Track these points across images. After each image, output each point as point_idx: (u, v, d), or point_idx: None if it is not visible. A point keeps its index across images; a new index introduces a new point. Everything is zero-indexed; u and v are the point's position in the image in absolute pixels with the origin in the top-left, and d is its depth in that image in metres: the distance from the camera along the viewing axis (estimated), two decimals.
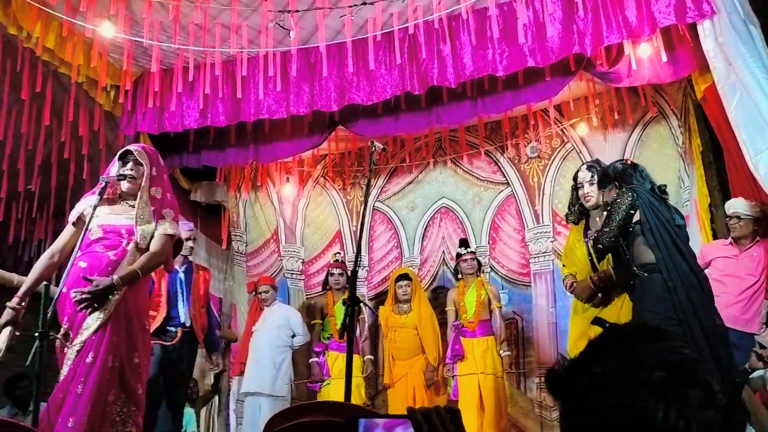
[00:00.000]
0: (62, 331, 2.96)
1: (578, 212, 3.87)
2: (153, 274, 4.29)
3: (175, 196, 3.53)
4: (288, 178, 6.77)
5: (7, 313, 2.99)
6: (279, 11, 4.38)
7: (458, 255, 5.45)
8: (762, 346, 4.11)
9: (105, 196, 3.19)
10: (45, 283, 2.93)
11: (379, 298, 6.24)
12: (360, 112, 5.27)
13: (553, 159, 6.02)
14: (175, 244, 3.38)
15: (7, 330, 2.94)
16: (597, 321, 3.49)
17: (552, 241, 5.84)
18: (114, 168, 3.25)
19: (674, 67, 4.51)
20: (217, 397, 6.13)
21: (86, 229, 3.02)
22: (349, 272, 5.49)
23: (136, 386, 3.06)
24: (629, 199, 3.25)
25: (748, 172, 3.81)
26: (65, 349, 2.95)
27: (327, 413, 2.01)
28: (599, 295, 3.58)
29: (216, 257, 6.57)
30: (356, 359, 5.14)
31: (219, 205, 6.65)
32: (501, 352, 5.19)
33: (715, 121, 4.39)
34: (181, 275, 4.57)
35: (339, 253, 6.03)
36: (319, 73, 4.77)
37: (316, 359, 5.50)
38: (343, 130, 5.72)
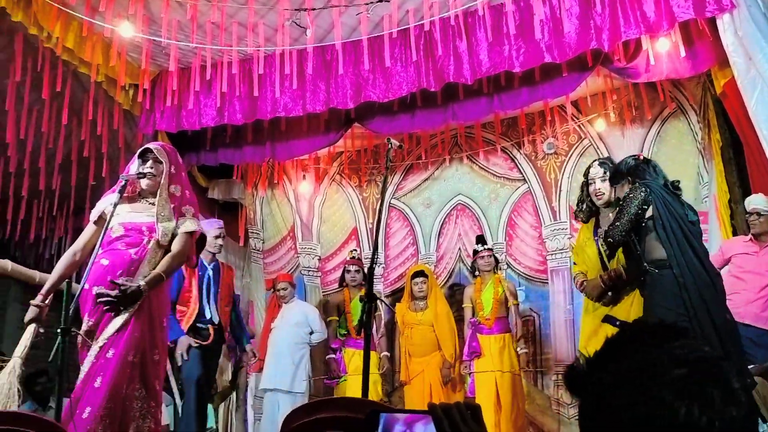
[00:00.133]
0: (84, 327, 3.00)
1: (588, 210, 3.85)
2: (183, 269, 4.35)
3: (194, 194, 3.56)
4: (304, 176, 6.79)
5: (32, 311, 3.04)
6: (295, 9, 4.40)
7: (475, 252, 5.44)
8: None
9: (125, 195, 3.23)
10: (60, 275, 2.98)
11: (396, 295, 6.25)
12: (376, 109, 5.28)
13: (570, 155, 5.99)
14: (197, 239, 3.40)
15: (32, 327, 2.99)
16: (607, 319, 3.50)
17: (569, 238, 5.81)
18: (134, 166, 3.29)
19: (693, 61, 4.46)
20: (234, 393, 6.17)
21: (107, 226, 3.06)
22: (365, 269, 5.50)
23: (155, 382, 3.10)
24: (642, 194, 3.23)
25: None
26: (87, 345, 2.99)
27: (345, 409, 2.02)
28: (609, 293, 3.56)
29: (233, 254, 6.62)
30: (373, 356, 5.15)
31: (236, 202, 6.69)
32: (518, 349, 5.18)
33: (735, 116, 4.35)
34: (210, 272, 4.61)
35: (355, 250, 6.05)
36: (335, 70, 4.78)
37: (333, 356, 5.52)
38: (359, 127, 5.73)
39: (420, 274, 5.49)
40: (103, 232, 3.04)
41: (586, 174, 3.84)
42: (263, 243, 6.67)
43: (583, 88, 5.12)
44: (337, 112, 5.33)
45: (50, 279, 3.15)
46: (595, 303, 3.64)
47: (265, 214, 6.71)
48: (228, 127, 5.45)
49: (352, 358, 5.41)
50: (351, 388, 5.21)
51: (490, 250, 5.42)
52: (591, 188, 3.76)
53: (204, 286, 4.54)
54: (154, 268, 3.11)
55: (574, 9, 4.28)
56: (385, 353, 5.55)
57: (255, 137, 5.70)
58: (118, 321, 2.96)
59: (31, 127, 4.87)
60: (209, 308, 4.53)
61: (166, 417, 4.66)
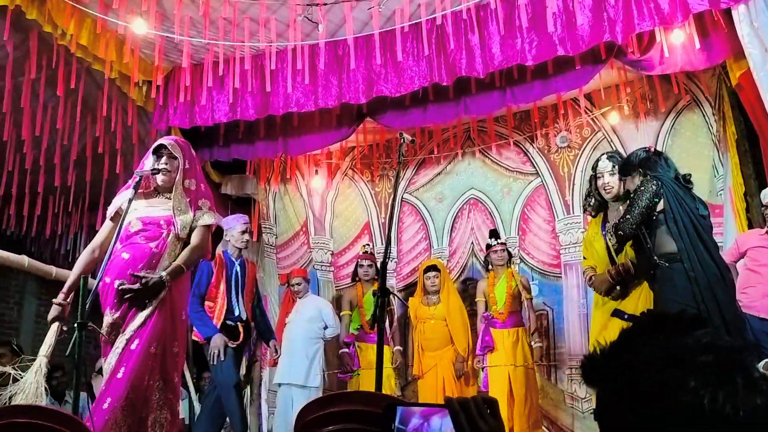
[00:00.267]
0: (110, 320, 3.03)
1: (597, 204, 3.83)
2: (214, 266, 4.37)
3: (209, 187, 3.60)
4: (317, 171, 6.80)
5: (54, 309, 3.08)
6: (307, 4, 4.41)
7: (488, 246, 5.43)
8: None
9: (141, 191, 3.26)
10: (79, 273, 3.01)
11: (408, 290, 6.25)
12: (388, 103, 5.28)
13: (584, 149, 5.95)
14: (213, 232, 3.43)
15: (55, 325, 3.03)
16: (616, 313, 3.50)
17: (582, 232, 5.77)
18: (148, 162, 3.31)
19: (708, 53, 4.42)
20: (249, 388, 6.21)
21: (122, 221, 3.09)
22: (377, 264, 5.51)
23: (174, 374, 3.14)
24: (654, 187, 3.20)
25: None
26: (111, 341, 3.02)
27: (358, 403, 2.03)
28: (618, 287, 3.56)
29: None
30: (386, 350, 5.16)
31: (249, 198, 6.72)
32: (532, 343, 5.17)
33: (751, 109, 4.30)
34: (237, 268, 4.61)
35: (368, 244, 6.06)
36: (347, 65, 4.78)
37: (346, 350, 5.54)
38: (371, 122, 5.73)
39: (432, 268, 5.50)
40: (119, 227, 3.07)
41: (595, 168, 3.81)
42: (276, 238, 6.70)
43: (596, 80, 5.09)
44: (349, 107, 5.33)
45: (71, 277, 3.18)
46: (604, 298, 3.63)
47: (277, 209, 6.74)
48: (240, 122, 5.48)
49: (365, 352, 5.42)
50: (364, 382, 5.23)
51: (504, 244, 5.41)
52: (599, 182, 3.74)
53: (232, 282, 4.54)
54: (174, 261, 3.15)
55: (587, 1, 4.25)
56: (398, 347, 5.56)
57: (267, 133, 5.72)
58: (143, 314, 3.00)
59: (47, 124, 4.92)
60: (238, 305, 4.54)
61: (181, 411, 4.69)
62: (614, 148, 5.54)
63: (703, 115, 5.37)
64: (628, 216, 3.24)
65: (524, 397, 4.95)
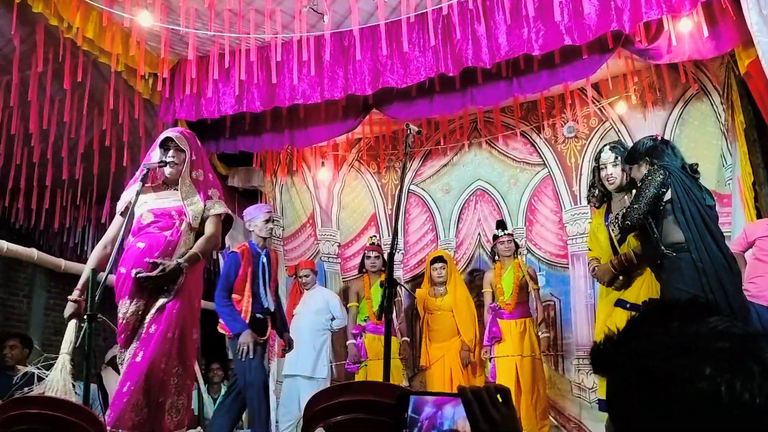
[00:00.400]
0: (127, 309, 3.04)
1: (600, 195, 3.82)
2: (241, 257, 4.35)
3: (216, 177, 3.62)
4: (323, 163, 6.81)
5: (70, 306, 3.10)
6: None
7: (495, 237, 5.42)
8: None
9: (149, 184, 3.28)
10: (92, 268, 3.03)
11: (415, 281, 6.26)
12: (394, 95, 5.27)
13: (591, 139, 5.93)
14: (224, 220, 3.45)
15: (73, 322, 3.05)
16: (619, 303, 3.52)
17: (590, 223, 5.76)
18: (155, 154, 3.32)
19: (716, 42, 4.39)
20: None
21: (131, 213, 3.11)
22: (384, 255, 5.51)
23: (192, 360, 3.20)
24: (661, 177, 3.19)
25: None
26: (125, 333, 3.04)
27: (367, 393, 2.04)
28: (620, 277, 3.56)
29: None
30: (393, 341, 5.17)
31: (256, 190, 6.74)
32: (539, 333, 5.18)
33: (759, 97, 4.27)
34: (264, 258, 4.51)
35: (375, 236, 6.06)
36: (352, 56, 4.77)
37: (354, 341, 5.56)
38: (377, 113, 5.73)
39: (439, 259, 5.50)
40: (126, 220, 3.09)
41: (597, 159, 3.81)
42: (283, 230, 6.71)
43: (603, 70, 5.06)
44: (355, 99, 5.32)
45: (84, 273, 3.20)
46: (608, 288, 3.65)
47: (284, 201, 6.75)
48: (247, 114, 5.48)
49: (372, 343, 5.44)
50: (372, 372, 5.25)
51: (511, 235, 5.40)
52: (602, 173, 3.73)
53: (259, 273, 4.44)
54: (189, 249, 3.18)
55: None
56: (405, 338, 5.58)
57: (274, 125, 5.73)
58: (161, 300, 3.04)
59: (54, 117, 4.93)
60: (267, 297, 4.44)
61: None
62: (622, 138, 5.52)
63: (712, 105, 5.34)
64: (635, 205, 3.23)
65: (531, 387, 4.96)
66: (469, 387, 0.99)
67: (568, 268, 5.81)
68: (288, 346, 4.80)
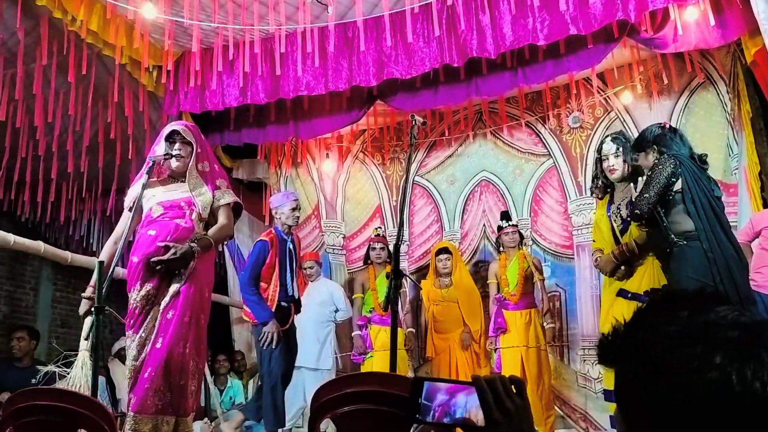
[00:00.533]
0: (143, 292, 3.06)
1: (603, 186, 3.83)
2: (270, 245, 4.35)
3: (222, 167, 3.63)
4: (328, 154, 6.80)
5: (84, 304, 3.13)
6: None
7: (499, 228, 5.42)
8: None
9: (155, 178, 3.29)
10: (99, 260, 3.04)
11: (420, 272, 6.27)
12: (398, 86, 5.25)
13: (596, 129, 5.91)
14: (233, 209, 3.46)
15: (89, 319, 3.07)
16: (620, 293, 3.53)
17: (595, 213, 5.75)
18: (160, 147, 3.32)
19: (722, 30, 4.36)
20: None
21: (139, 207, 3.13)
22: (389, 246, 5.52)
23: (204, 345, 3.23)
24: (672, 166, 3.18)
25: None
26: (144, 310, 3.06)
27: (373, 384, 2.04)
28: (622, 267, 3.57)
29: (259, 233, 6.66)
30: (399, 332, 5.18)
31: (260, 182, 6.75)
32: (544, 324, 5.18)
33: (766, 86, 4.25)
34: (290, 245, 4.51)
35: (380, 227, 6.06)
36: (357, 48, 4.75)
37: (359, 332, 5.57)
38: (381, 104, 5.72)
39: (444, 251, 5.51)
40: (133, 214, 3.10)
41: (599, 150, 3.82)
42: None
43: (609, 60, 5.03)
44: (360, 90, 5.31)
45: (96, 269, 3.22)
46: (611, 279, 3.66)
47: None
48: (251, 106, 5.48)
49: (378, 334, 5.45)
50: (377, 363, 5.26)
51: (515, 226, 5.39)
52: (604, 164, 3.74)
53: (286, 261, 4.43)
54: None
55: None
56: (411, 329, 5.59)
57: (278, 116, 5.72)
58: (175, 285, 3.07)
59: (59, 111, 4.93)
60: (293, 284, 4.44)
61: None
62: (627, 128, 5.50)
63: (718, 94, 5.31)
64: (645, 194, 3.21)
65: (537, 377, 4.97)
66: (484, 376, 0.99)
67: (573, 258, 5.81)
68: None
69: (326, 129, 5.94)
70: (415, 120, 3.25)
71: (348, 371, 5.75)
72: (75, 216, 6.67)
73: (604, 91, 5.74)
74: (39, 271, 7.40)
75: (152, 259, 3.02)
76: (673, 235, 3.17)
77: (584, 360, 5.56)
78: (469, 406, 1.00)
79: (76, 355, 3.03)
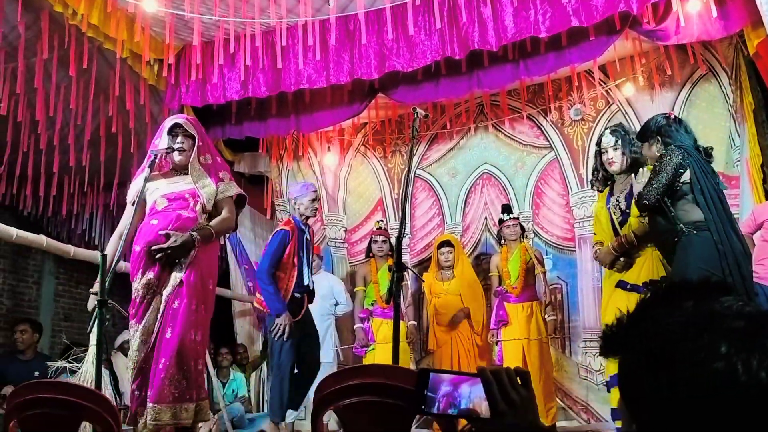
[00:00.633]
0: (144, 280, 3.08)
1: (603, 178, 3.84)
2: (290, 235, 4.34)
3: (223, 159, 3.64)
4: (329, 148, 6.80)
5: (93, 299, 3.13)
6: None
7: (501, 221, 5.42)
8: None
9: (158, 171, 3.29)
10: (102, 253, 3.05)
11: (422, 265, 6.27)
12: (400, 78, 5.24)
13: (598, 121, 5.89)
14: (236, 200, 3.48)
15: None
16: (619, 284, 3.55)
17: (595, 206, 5.75)
18: (162, 141, 3.32)
19: (725, 22, 4.34)
20: (265, 363, 6.29)
21: (142, 200, 3.13)
22: (391, 239, 5.52)
23: (207, 332, 3.25)
24: (679, 157, 3.18)
25: None
26: (146, 299, 3.08)
27: (376, 376, 2.05)
28: (621, 259, 3.60)
29: (260, 227, 6.69)
30: (401, 325, 5.19)
31: (262, 175, 6.74)
32: (546, 316, 5.19)
33: None
34: (307, 236, 4.51)
35: (381, 220, 6.06)
36: (358, 40, 4.74)
37: (361, 325, 5.58)
38: (383, 97, 5.70)
39: (446, 243, 5.51)
40: (136, 206, 3.11)
41: (599, 143, 3.83)
42: (290, 215, 6.71)
43: (610, 52, 5.01)
44: (361, 83, 5.30)
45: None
46: (611, 270, 3.68)
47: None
48: (252, 100, 5.47)
49: (380, 327, 5.46)
50: (379, 356, 5.27)
51: (516, 219, 5.39)
52: (604, 157, 3.76)
53: (303, 251, 4.42)
54: None
55: None
56: (413, 322, 5.60)
57: (279, 110, 5.72)
58: (177, 274, 3.09)
59: (60, 104, 4.93)
60: (308, 274, 4.45)
61: None
62: (629, 120, 5.49)
63: (720, 86, 5.29)
64: (654, 185, 3.19)
65: (539, 370, 4.98)
66: (489, 368, 1.00)
67: (575, 251, 5.81)
68: None
69: (328, 122, 5.93)
70: (417, 113, 3.25)
71: (349, 364, 5.77)
72: (77, 210, 6.67)
73: (605, 84, 5.73)
74: (41, 265, 7.42)
75: (153, 247, 3.04)
76: (682, 224, 3.16)
77: (585, 352, 5.58)
78: (473, 397, 1.00)
79: (82, 348, 3.04)
